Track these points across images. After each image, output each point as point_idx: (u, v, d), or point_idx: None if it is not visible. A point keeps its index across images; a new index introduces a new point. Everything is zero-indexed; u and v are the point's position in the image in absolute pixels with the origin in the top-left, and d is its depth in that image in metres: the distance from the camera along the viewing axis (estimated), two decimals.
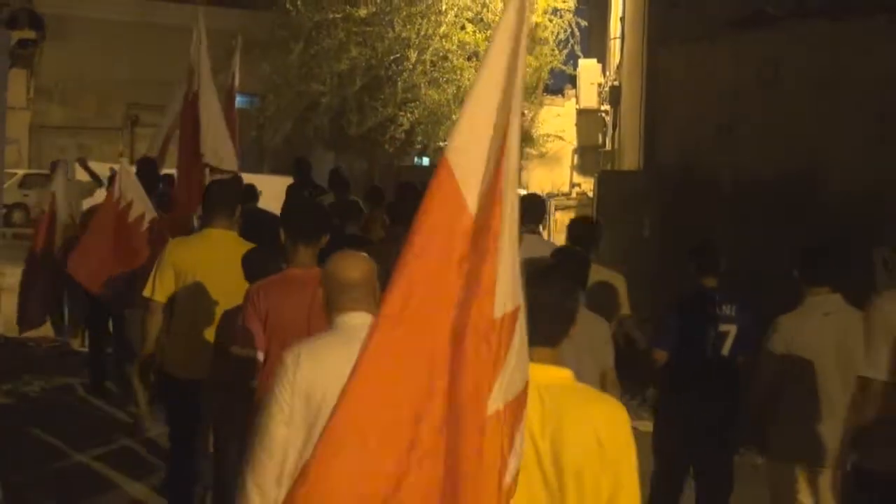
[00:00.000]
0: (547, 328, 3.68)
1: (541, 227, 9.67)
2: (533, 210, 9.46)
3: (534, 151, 36.74)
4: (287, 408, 4.67)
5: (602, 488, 3.60)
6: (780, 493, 7.41)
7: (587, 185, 34.30)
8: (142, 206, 10.57)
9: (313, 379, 4.64)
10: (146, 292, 7.91)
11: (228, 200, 8.06)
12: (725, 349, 7.84)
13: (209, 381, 7.31)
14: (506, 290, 3.06)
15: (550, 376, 3.69)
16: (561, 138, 36.98)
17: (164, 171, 13.23)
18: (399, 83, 31.62)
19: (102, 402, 12.63)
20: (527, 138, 35.55)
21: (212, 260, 7.65)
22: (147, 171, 12.33)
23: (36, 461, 10.22)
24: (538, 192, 35.70)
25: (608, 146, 30.99)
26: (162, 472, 9.41)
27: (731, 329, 7.80)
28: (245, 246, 7.66)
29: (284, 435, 4.64)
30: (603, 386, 6.40)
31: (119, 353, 12.15)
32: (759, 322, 7.89)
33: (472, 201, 3.07)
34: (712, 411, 7.82)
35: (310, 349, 4.84)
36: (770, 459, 7.51)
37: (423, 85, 31.78)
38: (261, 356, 6.36)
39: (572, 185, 37.24)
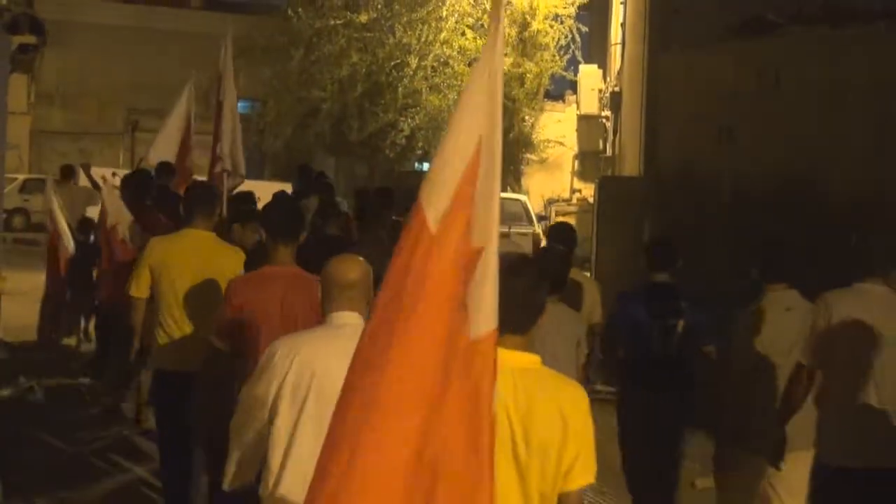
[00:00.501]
0: (516, 317, 3.92)
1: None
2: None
3: (534, 157, 36.77)
4: (270, 396, 4.83)
5: (563, 460, 4.01)
6: (745, 483, 7.33)
7: (588, 190, 34.26)
8: (123, 229, 11.20)
9: (301, 368, 4.77)
10: (128, 290, 8.33)
11: (208, 203, 8.40)
12: (675, 343, 7.96)
13: (200, 377, 7.50)
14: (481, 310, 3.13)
15: (521, 361, 4.05)
16: (562, 144, 37.01)
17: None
18: (400, 89, 31.65)
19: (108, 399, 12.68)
20: (527, 144, 35.61)
21: (190, 257, 7.97)
22: (139, 182, 12.46)
23: (36, 456, 10.27)
24: (539, 197, 35.76)
25: (609, 152, 30.98)
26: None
27: (680, 323, 7.93)
28: (222, 245, 8.24)
29: (263, 419, 4.86)
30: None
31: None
32: (713, 318, 8.07)
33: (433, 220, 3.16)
34: (666, 401, 7.98)
35: (299, 340, 5.02)
36: (741, 451, 7.42)
37: (423, 90, 31.81)
38: (227, 346, 6.73)
39: (573, 191, 37.23)
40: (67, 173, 18.45)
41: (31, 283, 17.19)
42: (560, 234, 9.18)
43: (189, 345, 7.78)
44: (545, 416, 4.02)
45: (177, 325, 8.01)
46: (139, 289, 8.24)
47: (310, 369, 4.77)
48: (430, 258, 3.13)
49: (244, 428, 4.98)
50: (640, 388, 8.14)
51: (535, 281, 4.22)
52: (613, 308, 8.41)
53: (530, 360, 4.14)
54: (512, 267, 3.97)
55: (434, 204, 3.17)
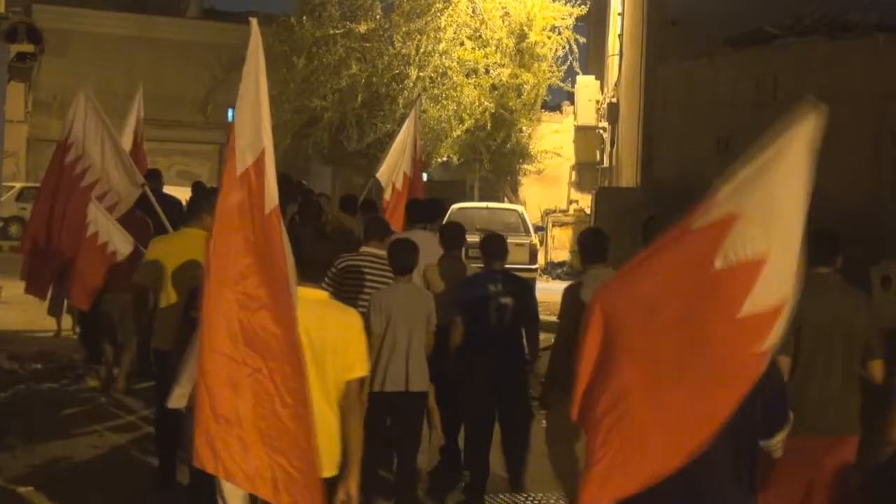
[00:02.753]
0: (312, 273, 6.09)
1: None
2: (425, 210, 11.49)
3: (531, 168, 36.77)
4: None
5: (346, 359, 5.98)
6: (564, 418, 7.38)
7: (584, 201, 34.33)
8: (115, 245, 12.02)
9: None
10: (134, 279, 9.63)
11: (203, 205, 9.30)
12: (508, 317, 9.28)
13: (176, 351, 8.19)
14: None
15: (316, 295, 6.08)
16: (559, 155, 37.01)
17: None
18: (399, 99, 31.67)
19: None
20: (524, 155, 35.62)
21: (186, 253, 8.82)
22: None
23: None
24: (536, 208, 35.78)
25: (606, 163, 31.05)
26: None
27: (510, 301, 9.28)
28: None
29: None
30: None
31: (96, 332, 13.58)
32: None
33: None
34: (502, 367, 9.31)
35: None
36: (560, 392, 8.17)
37: (422, 101, 31.84)
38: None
39: (570, 202, 37.26)
40: None
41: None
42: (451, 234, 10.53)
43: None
44: (334, 329, 5.98)
45: (172, 310, 8.91)
46: (144, 278, 9.43)
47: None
48: None
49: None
50: (479, 354, 9.29)
51: (326, 244, 6.46)
52: (458, 288, 9.58)
53: (322, 294, 6.22)
54: (312, 236, 6.67)
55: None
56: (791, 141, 4.99)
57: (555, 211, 35.35)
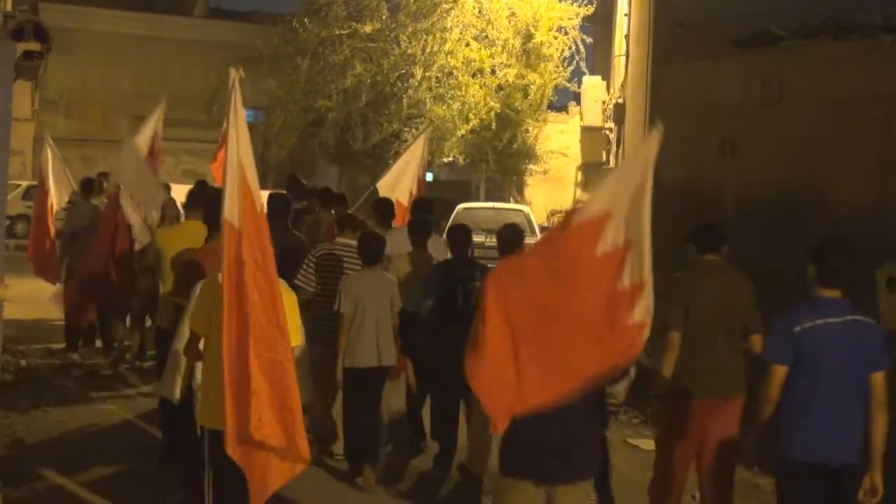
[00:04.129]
0: None
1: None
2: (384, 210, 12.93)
3: (538, 168, 36.75)
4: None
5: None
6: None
7: None
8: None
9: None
10: (147, 261, 11.62)
11: (199, 200, 10.71)
12: (473, 300, 9.77)
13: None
14: None
15: None
16: (565, 155, 36.98)
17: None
18: (405, 99, 31.67)
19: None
20: (530, 155, 35.62)
21: (186, 242, 9.90)
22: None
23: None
24: (542, 208, 35.75)
25: (612, 163, 31.00)
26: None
27: (477, 285, 9.93)
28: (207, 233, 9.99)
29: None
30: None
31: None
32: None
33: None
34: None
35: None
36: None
37: (428, 101, 31.82)
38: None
39: (575, 202, 37.18)
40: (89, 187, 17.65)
41: (33, 290, 17.19)
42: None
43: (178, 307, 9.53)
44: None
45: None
46: (151, 259, 11.16)
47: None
48: None
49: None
50: (450, 331, 9.98)
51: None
52: (430, 273, 10.82)
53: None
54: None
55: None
56: (639, 156, 6.54)
57: (560, 211, 35.30)
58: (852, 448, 7.01)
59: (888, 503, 7.07)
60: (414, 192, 14.85)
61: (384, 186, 15.00)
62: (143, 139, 15.19)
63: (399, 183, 15.08)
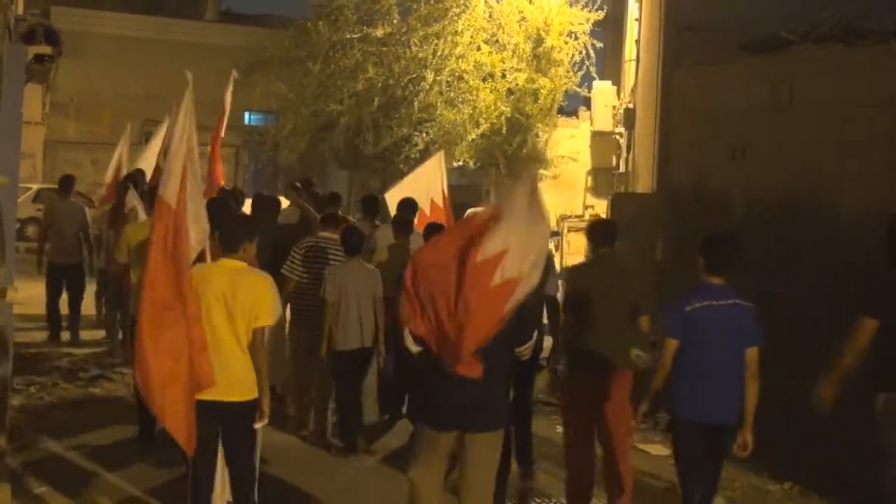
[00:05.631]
0: (229, 241, 8.24)
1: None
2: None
3: (548, 173, 36.69)
4: None
5: (253, 311, 8.00)
6: None
7: (600, 206, 34.22)
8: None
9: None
10: (118, 259, 12.41)
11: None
12: None
13: None
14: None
15: (234, 265, 8.16)
16: (575, 160, 36.92)
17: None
18: (416, 103, 31.65)
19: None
20: (540, 160, 35.57)
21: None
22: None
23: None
24: (552, 212, 35.73)
25: (622, 168, 31.00)
26: None
27: None
28: None
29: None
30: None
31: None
32: None
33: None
34: None
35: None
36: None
37: (439, 105, 31.80)
38: None
39: (586, 207, 37.17)
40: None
41: (43, 293, 17.22)
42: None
43: None
44: (244, 290, 8.02)
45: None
46: (123, 256, 11.96)
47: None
48: None
49: None
50: None
51: (242, 225, 8.63)
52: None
53: (240, 264, 8.19)
54: (231, 216, 9.97)
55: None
56: (518, 197, 7.65)
57: (570, 216, 35.29)
58: (730, 410, 8.41)
59: (759, 456, 8.71)
60: (438, 203, 15.65)
61: (391, 196, 15.60)
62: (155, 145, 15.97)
63: (413, 193, 15.36)
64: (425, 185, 15.73)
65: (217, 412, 7.93)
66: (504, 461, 9.45)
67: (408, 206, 14.15)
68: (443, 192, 15.77)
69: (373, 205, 14.57)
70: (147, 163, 17.79)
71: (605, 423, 9.65)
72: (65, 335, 17.24)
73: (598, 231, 10.40)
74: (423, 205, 14.99)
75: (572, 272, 10.39)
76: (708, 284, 8.53)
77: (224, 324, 7.91)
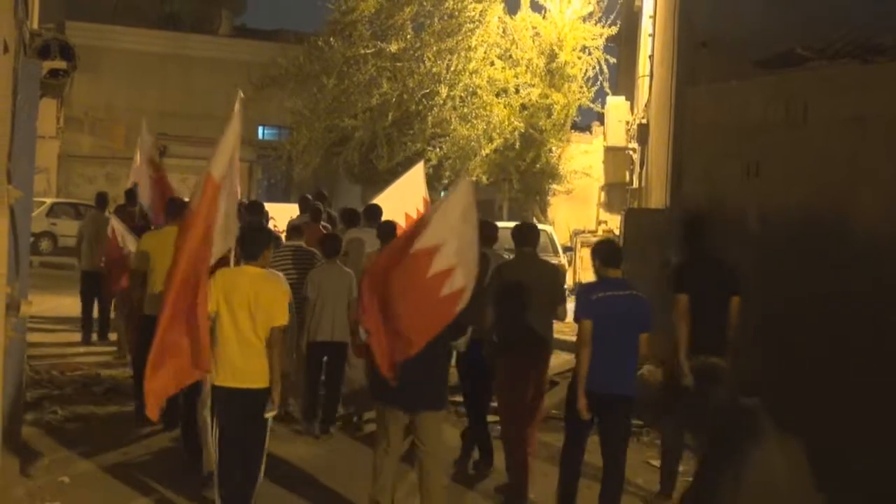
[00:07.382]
0: (250, 249, 9.13)
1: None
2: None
3: (561, 188, 36.74)
4: None
5: (271, 312, 8.92)
6: None
7: (613, 222, 34.27)
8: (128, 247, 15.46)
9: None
10: (133, 265, 13.12)
11: (178, 211, 11.85)
12: None
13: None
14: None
15: (255, 271, 9.01)
16: (588, 175, 36.97)
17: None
18: (429, 118, 31.68)
19: None
20: (554, 175, 35.60)
21: (167, 245, 10.36)
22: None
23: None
24: (565, 228, 35.74)
25: (635, 184, 30.97)
26: None
27: None
28: None
29: None
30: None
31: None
32: None
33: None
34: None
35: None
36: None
37: (452, 120, 31.83)
38: None
39: (599, 223, 37.20)
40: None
41: (56, 307, 17.25)
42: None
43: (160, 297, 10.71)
44: (265, 293, 8.95)
45: (158, 286, 11.27)
46: (138, 264, 12.60)
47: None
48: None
49: None
50: None
51: (262, 235, 9.41)
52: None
53: (260, 270, 9.05)
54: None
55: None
56: (455, 200, 8.59)
57: (584, 231, 35.30)
58: (625, 384, 9.55)
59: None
60: (421, 210, 16.28)
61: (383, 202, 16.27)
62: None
63: (400, 200, 16.52)
64: (406, 195, 16.69)
65: (241, 399, 8.99)
66: (485, 458, 11.75)
67: (372, 213, 15.28)
68: (424, 201, 16.72)
69: (353, 217, 15.85)
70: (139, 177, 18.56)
71: (523, 402, 10.91)
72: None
73: (524, 234, 11.59)
74: (399, 216, 15.61)
75: (495, 270, 11.26)
76: (607, 278, 9.76)
77: (247, 321, 8.93)
